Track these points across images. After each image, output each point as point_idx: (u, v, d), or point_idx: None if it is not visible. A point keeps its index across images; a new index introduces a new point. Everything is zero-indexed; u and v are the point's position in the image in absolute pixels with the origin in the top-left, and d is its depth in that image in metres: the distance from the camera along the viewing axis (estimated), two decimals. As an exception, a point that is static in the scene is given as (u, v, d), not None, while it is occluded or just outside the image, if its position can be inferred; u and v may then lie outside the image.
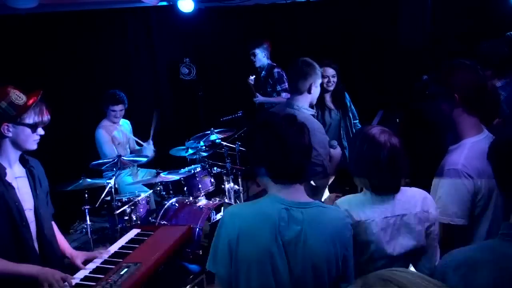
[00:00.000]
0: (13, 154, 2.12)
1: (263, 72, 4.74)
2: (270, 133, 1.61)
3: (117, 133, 4.50)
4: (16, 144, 2.10)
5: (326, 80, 3.83)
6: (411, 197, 1.82)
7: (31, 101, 2.09)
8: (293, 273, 1.55)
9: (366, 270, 1.76)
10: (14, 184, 2.09)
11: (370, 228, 1.75)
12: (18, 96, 2.06)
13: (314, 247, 1.55)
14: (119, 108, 4.37)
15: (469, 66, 1.92)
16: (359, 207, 1.77)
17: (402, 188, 1.83)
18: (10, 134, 2.06)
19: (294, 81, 2.85)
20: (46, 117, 2.14)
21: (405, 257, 1.78)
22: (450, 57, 2.01)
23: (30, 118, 2.08)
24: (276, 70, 4.66)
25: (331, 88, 3.89)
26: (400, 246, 1.77)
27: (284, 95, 4.58)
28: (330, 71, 3.85)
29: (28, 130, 2.09)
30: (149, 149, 4.44)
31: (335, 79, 3.88)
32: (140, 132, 4.86)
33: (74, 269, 2.27)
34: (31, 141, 2.12)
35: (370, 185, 1.80)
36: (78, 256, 2.34)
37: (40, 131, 2.14)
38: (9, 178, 2.07)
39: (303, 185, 1.68)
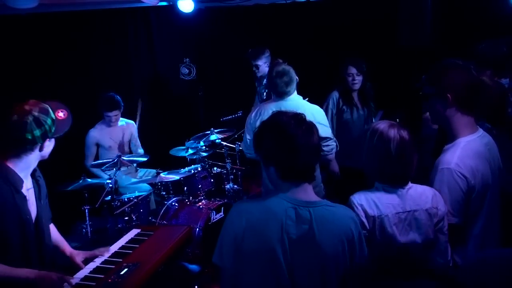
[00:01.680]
0: (33, 167, 2.12)
1: (264, 81, 4.60)
2: (278, 133, 1.62)
3: (111, 137, 4.48)
4: (42, 156, 2.10)
5: (350, 78, 3.86)
6: (422, 194, 1.87)
7: (62, 114, 2.12)
8: (300, 271, 1.56)
9: (379, 266, 1.78)
10: (27, 195, 2.08)
11: (383, 224, 1.80)
12: (52, 111, 2.07)
13: (321, 246, 1.56)
14: (113, 113, 4.38)
15: (462, 65, 1.93)
16: (373, 203, 1.82)
17: (413, 185, 1.88)
18: (48, 149, 2.08)
19: (289, 86, 3.10)
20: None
21: (415, 252, 1.82)
22: (450, 57, 2.01)
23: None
24: None
25: (356, 87, 3.89)
26: (411, 241, 1.81)
27: None
28: (353, 70, 3.87)
29: (53, 141, 2.12)
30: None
31: (360, 78, 3.88)
32: (139, 131, 4.86)
33: (74, 269, 2.27)
34: None
35: (381, 177, 1.86)
36: (78, 255, 2.34)
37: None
38: (23, 190, 2.07)
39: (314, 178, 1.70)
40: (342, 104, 3.92)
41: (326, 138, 3.10)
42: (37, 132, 1.97)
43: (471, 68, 1.93)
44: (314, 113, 3.03)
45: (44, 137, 2.01)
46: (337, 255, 1.57)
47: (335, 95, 3.97)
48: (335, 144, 3.19)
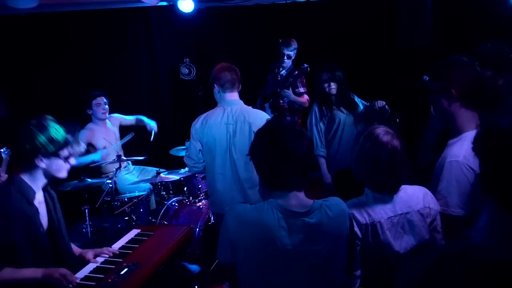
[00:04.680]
0: (42, 181, 2.18)
1: (283, 71, 4.61)
2: (261, 147, 1.62)
3: (104, 137, 4.38)
4: (47, 173, 2.16)
5: (326, 84, 3.83)
6: (413, 195, 1.85)
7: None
8: (300, 277, 1.56)
9: (376, 270, 1.78)
10: (39, 208, 2.15)
11: (376, 230, 1.77)
12: (56, 131, 2.11)
13: (319, 251, 1.55)
14: (102, 100, 4.34)
15: (466, 61, 1.95)
16: (364, 211, 1.79)
17: (403, 186, 1.86)
18: (43, 165, 2.11)
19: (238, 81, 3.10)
20: (79, 148, 2.22)
21: (412, 255, 1.80)
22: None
23: (65, 151, 2.15)
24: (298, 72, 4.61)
25: (333, 92, 3.85)
26: (406, 244, 1.80)
27: (306, 97, 4.52)
28: (325, 76, 3.83)
29: (62, 162, 2.16)
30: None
31: (334, 83, 3.81)
32: (140, 131, 4.85)
33: (77, 267, 2.28)
34: (64, 170, 2.20)
35: (369, 183, 1.83)
36: (88, 253, 2.40)
37: (72, 160, 2.21)
38: (35, 202, 2.13)
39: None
40: (326, 112, 3.88)
41: None
42: (32, 143, 2.05)
43: (476, 64, 1.94)
44: (259, 118, 2.92)
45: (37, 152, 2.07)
46: (334, 255, 1.58)
47: (315, 108, 3.92)
48: None
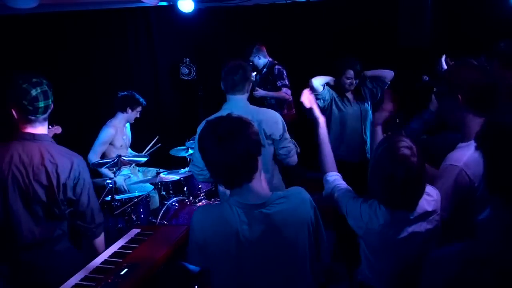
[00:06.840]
0: None
1: (264, 69, 4.86)
2: (199, 143, 1.63)
3: (123, 136, 4.50)
4: None
5: (349, 81, 3.86)
6: (429, 203, 1.77)
7: None
8: (267, 270, 1.58)
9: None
10: None
11: (383, 237, 1.74)
12: None
13: (284, 240, 1.58)
14: (140, 109, 4.50)
15: (475, 65, 1.88)
16: (373, 217, 1.73)
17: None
18: None
19: (241, 83, 3.06)
20: None
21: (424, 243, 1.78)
22: (450, 57, 2.00)
23: None
24: (276, 67, 4.78)
25: (351, 88, 3.92)
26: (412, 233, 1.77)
27: (284, 90, 4.67)
28: (351, 73, 3.86)
29: None
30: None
31: (356, 81, 3.90)
32: (139, 131, 4.86)
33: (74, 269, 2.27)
34: None
35: (381, 199, 1.73)
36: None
37: None
38: None
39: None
40: (337, 99, 3.96)
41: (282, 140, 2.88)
42: None
43: (487, 69, 1.86)
44: (271, 116, 2.88)
45: None
46: (301, 243, 1.60)
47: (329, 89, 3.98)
48: (292, 145, 2.92)
